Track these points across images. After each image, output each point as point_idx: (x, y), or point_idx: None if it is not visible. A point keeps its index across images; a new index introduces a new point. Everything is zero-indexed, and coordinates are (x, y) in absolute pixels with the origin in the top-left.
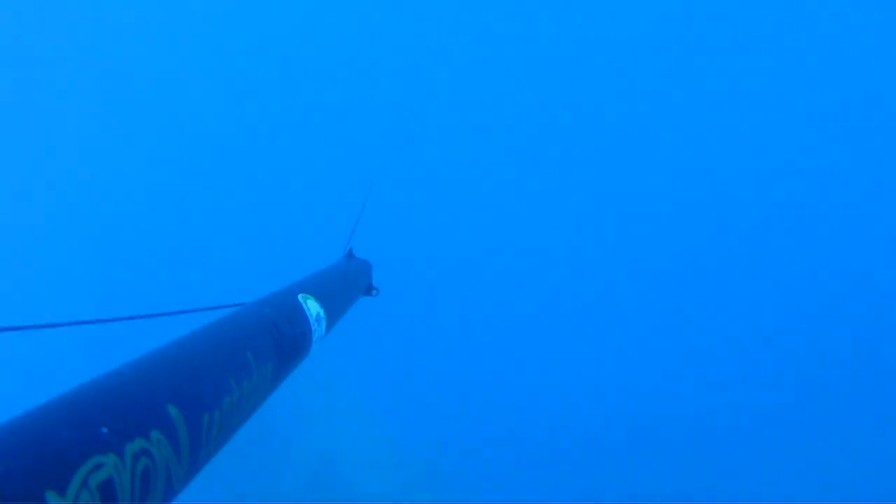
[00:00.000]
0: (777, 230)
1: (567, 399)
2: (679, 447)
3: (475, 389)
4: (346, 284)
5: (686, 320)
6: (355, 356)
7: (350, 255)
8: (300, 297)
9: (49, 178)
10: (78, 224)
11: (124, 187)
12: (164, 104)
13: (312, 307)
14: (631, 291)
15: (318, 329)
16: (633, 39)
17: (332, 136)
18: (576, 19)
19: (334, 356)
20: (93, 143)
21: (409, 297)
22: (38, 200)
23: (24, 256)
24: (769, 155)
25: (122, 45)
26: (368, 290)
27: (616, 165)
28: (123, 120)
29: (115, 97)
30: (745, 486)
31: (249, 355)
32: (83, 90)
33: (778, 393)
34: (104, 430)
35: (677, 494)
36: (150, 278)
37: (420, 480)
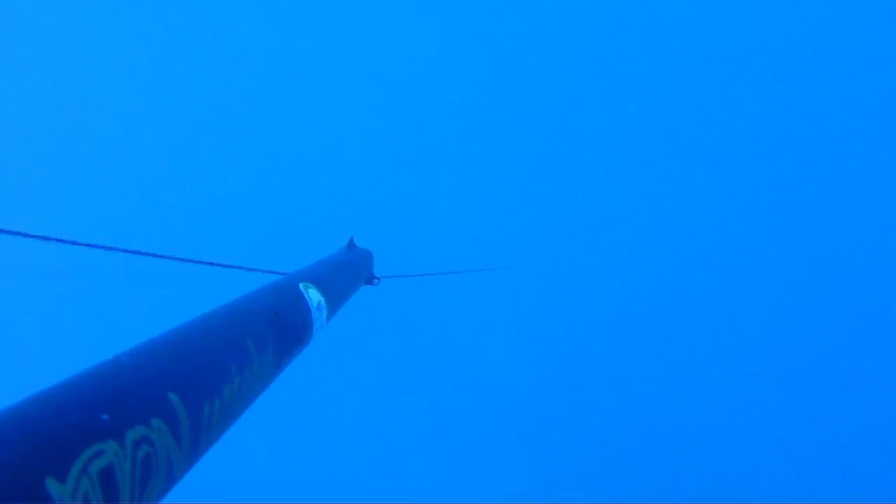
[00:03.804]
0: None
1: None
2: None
3: (471, 387)
4: (347, 273)
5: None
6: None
7: (351, 244)
8: (301, 285)
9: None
10: (76, 221)
11: (123, 181)
12: (165, 100)
13: (313, 296)
14: (635, 289)
15: (318, 317)
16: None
17: (333, 127)
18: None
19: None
20: (93, 137)
21: (408, 291)
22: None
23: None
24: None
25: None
26: (370, 279)
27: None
28: (124, 115)
29: (116, 95)
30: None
31: (250, 343)
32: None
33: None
34: (104, 416)
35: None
36: (151, 267)
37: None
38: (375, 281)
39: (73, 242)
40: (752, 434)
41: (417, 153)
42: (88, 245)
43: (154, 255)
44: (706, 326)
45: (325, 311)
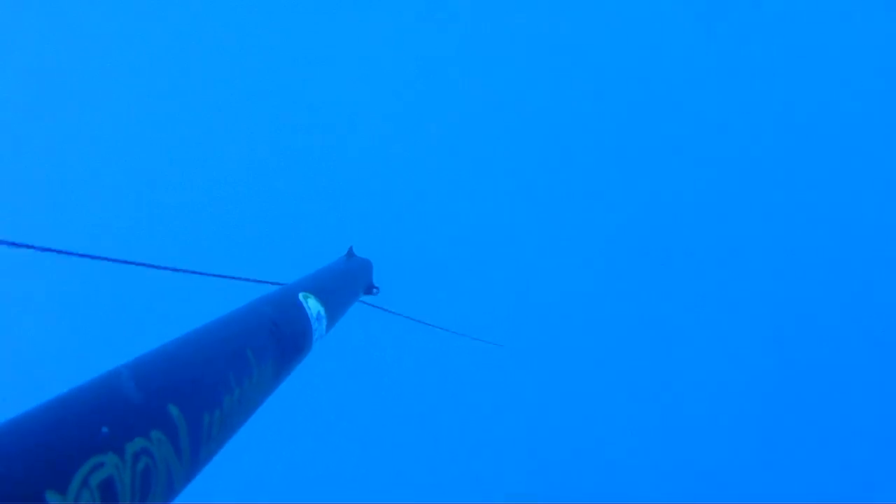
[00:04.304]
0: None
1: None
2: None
3: (471, 387)
4: (346, 283)
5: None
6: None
7: (350, 253)
8: (300, 295)
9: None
10: (71, 226)
11: (119, 187)
12: (160, 104)
13: (313, 306)
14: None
15: (318, 327)
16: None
17: (333, 131)
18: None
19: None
20: (94, 139)
21: (407, 295)
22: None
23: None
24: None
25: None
26: (369, 288)
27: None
28: (119, 119)
29: (116, 96)
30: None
31: (250, 354)
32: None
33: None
34: (105, 429)
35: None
36: (150, 278)
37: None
38: (375, 291)
39: (71, 253)
40: (752, 435)
41: (420, 158)
42: (88, 256)
43: (151, 266)
44: (705, 329)
45: (324, 321)
